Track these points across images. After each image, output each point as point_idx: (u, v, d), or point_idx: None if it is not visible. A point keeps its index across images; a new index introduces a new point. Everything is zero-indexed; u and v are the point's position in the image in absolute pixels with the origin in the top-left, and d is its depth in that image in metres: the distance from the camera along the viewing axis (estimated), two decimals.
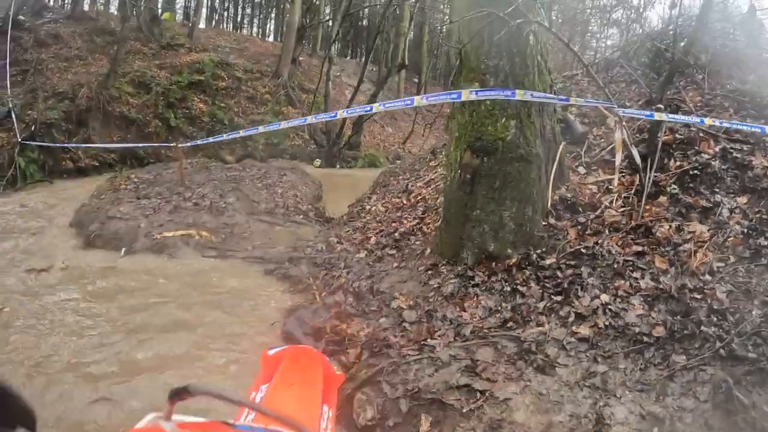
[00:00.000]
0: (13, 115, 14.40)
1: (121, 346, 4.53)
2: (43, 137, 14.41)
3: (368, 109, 10.94)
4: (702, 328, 3.61)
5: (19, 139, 13.89)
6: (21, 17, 18.06)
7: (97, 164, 15.34)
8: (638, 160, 5.39)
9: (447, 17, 36.74)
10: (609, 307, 4.00)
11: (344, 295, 5.20)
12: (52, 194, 12.18)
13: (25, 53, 17.19)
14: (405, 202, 8.13)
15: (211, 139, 12.64)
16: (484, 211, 4.99)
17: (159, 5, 27.81)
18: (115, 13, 26.54)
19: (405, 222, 7.09)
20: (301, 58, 25.12)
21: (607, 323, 3.84)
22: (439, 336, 4.07)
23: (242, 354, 4.39)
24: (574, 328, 3.87)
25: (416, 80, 33.50)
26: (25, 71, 16.55)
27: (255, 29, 40.32)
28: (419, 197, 7.97)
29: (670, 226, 4.71)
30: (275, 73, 21.96)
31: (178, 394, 0.97)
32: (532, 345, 3.73)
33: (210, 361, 4.33)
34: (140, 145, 15.17)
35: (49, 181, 14.00)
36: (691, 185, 5.20)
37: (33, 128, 14.56)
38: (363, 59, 33.89)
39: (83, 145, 14.82)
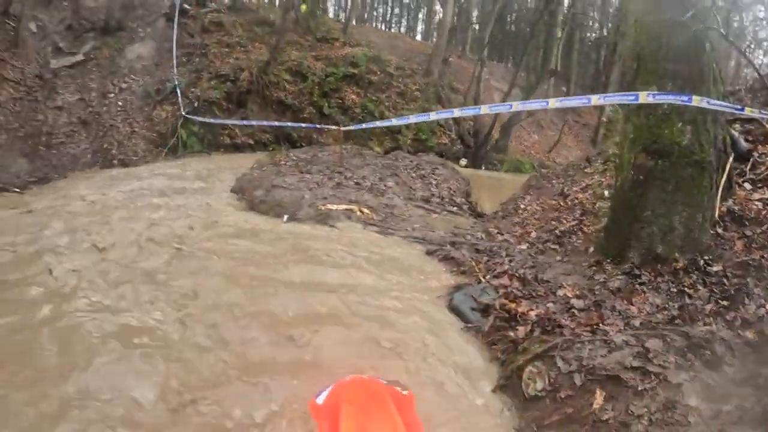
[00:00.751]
0: (179, 92, 16.35)
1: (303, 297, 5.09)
2: (205, 113, 16.15)
3: (538, 103, 11.20)
4: None
5: (183, 113, 15.75)
6: (186, 6, 20.11)
7: (252, 143, 16.99)
8: None
9: (595, 23, 36.08)
10: None
11: (510, 280, 5.49)
12: (212, 163, 13.70)
13: (190, 38, 19.29)
14: (561, 204, 8.39)
15: (370, 124, 13.53)
16: (655, 213, 5.19)
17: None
18: (276, 5, 28.54)
19: (564, 222, 7.38)
20: (450, 59, 25.64)
21: None
22: (608, 324, 4.30)
23: (405, 331, 4.61)
24: (740, 331, 3.99)
25: (564, 88, 32.97)
26: (190, 54, 18.59)
27: (403, 28, 41.37)
28: (576, 201, 8.20)
29: None
30: (426, 71, 22.62)
31: None
32: (701, 341, 3.87)
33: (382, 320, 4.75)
34: (302, 125, 16.44)
35: (207, 152, 15.81)
36: None
37: (196, 104, 16.46)
38: (511, 63, 34.01)
39: (243, 121, 16.32)
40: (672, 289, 4.75)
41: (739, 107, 5.87)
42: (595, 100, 6.77)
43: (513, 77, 21.89)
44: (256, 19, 21.97)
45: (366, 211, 8.54)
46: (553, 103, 8.28)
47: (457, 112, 11.64)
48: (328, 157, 12.99)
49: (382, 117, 18.94)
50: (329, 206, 8.50)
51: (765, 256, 4.86)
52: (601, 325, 4.29)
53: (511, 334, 4.44)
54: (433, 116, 10.96)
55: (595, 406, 3.42)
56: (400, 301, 5.15)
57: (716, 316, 4.25)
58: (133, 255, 5.95)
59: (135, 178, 11.05)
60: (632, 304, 4.63)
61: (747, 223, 5.44)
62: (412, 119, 11.16)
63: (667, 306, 4.52)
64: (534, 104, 8.11)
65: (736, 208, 5.62)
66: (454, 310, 5.06)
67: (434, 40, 29.89)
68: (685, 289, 4.70)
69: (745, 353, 3.82)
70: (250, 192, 9.70)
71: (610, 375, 3.62)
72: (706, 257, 5.01)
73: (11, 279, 5.13)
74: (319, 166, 11.58)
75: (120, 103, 15.89)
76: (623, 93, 5.69)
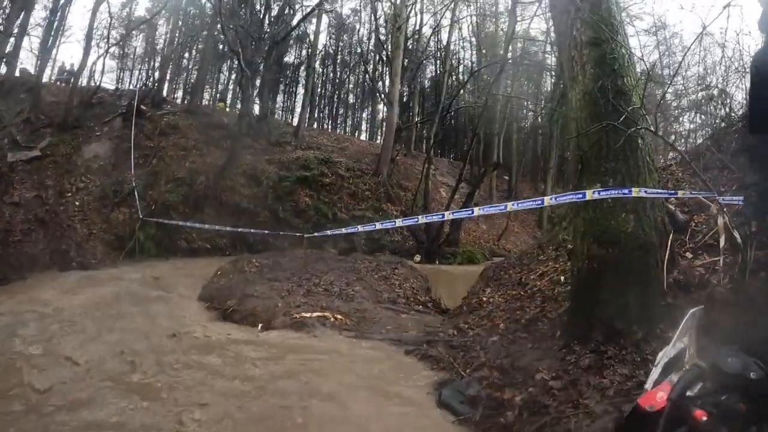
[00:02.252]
0: (136, 194, 16.63)
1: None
2: (162, 217, 16.40)
3: (496, 208, 11.97)
4: None
5: (141, 216, 15.96)
6: (143, 107, 20.69)
7: (209, 247, 17.26)
8: (739, 241, 6.10)
9: (529, 112, 38.24)
10: None
11: (489, 371, 6.02)
12: (172, 268, 13.96)
13: (147, 140, 19.68)
14: (522, 293, 9.01)
15: (336, 231, 14.17)
16: (611, 294, 5.83)
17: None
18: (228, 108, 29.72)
19: (527, 310, 7.98)
20: (397, 158, 26.63)
21: None
22: (587, 397, 4.80)
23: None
24: None
25: (506, 177, 34.45)
26: (147, 155, 19.01)
27: (348, 128, 42.79)
28: (535, 288, 8.84)
29: None
30: (375, 171, 23.53)
31: None
32: None
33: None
34: (265, 231, 16.74)
35: (165, 257, 15.90)
36: None
37: (153, 207, 16.76)
38: (453, 157, 35.47)
39: (205, 226, 16.52)
40: (636, 359, 5.29)
41: (673, 192, 6.71)
42: (548, 201, 7.60)
43: (460, 172, 22.85)
44: (211, 122, 22.77)
45: (339, 316, 8.94)
46: (511, 206, 9.06)
47: (422, 219, 12.33)
48: (290, 263, 13.39)
49: (335, 218, 19.80)
50: (303, 314, 8.88)
51: None
52: (580, 399, 4.79)
53: (502, 420, 4.92)
54: (399, 222, 11.67)
55: None
56: (387, 398, 5.58)
57: None
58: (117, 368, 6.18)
59: (98, 283, 11.28)
60: (604, 377, 5.14)
61: (692, 289, 6.11)
62: (379, 226, 11.79)
63: (635, 374, 5.04)
64: (493, 209, 9.00)
65: (681, 277, 6.30)
66: (445, 405, 5.52)
67: (380, 139, 31.21)
68: (647, 356, 5.22)
69: None
70: (221, 301, 9.98)
71: None
72: (660, 326, 5.60)
73: None
74: (285, 273, 11.96)
75: (77, 203, 16.03)
76: (572, 192, 6.49)
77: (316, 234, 14.55)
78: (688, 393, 1.10)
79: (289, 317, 8.78)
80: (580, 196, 6.18)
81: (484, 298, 10.07)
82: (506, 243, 26.10)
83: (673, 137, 21.43)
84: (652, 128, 6.28)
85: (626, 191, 5.87)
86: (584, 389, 5.04)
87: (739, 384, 0.93)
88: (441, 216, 11.88)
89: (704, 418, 0.92)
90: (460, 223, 22.29)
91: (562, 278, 8.63)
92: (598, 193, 6.00)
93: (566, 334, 6.38)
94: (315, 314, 8.90)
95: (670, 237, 6.57)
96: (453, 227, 21.77)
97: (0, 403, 5.05)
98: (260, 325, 8.68)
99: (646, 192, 5.95)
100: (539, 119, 38.50)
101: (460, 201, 22.99)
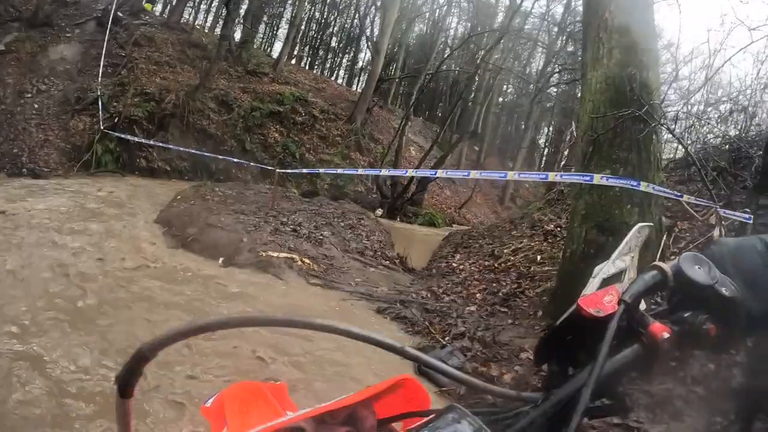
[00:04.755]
0: (100, 104, 15.70)
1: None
2: (125, 131, 15.50)
3: (466, 173, 11.86)
4: None
5: (102, 127, 15.15)
6: (120, 14, 19.64)
7: (169, 169, 16.59)
8: None
9: (510, 88, 38.33)
10: None
11: (471, 342, 5.87)
12: (128, 186, 13.25)
13: (119, 48, 18.66)
14: (496, 265, 8.98)
15: (312, 171, 13.89)
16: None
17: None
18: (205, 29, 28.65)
19: (503, 284, 7.97)
20: (373, 109, 26.28)
21: None
22: None
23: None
24: (691, 387, 4.58)
25: (476, 148, 34.36)
26: (117, 65, 17.97)
27: (326, 72, 42.13)
28: (509, 263, 8.81)
29: None
30: (349, 118, 23.14)
31: None
32: (662, 398, 4.43)
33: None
34: (238, 160, 16.20)
35: (121, 173, 15.19)
36: None
37: (116, 120, 15.79)
38: (428, 116, 35.30)
39: (172, 146, 16.00)
40: None
41: (678, 194, 6.64)
42: (552, 176, 7.42)
43: (437, 136, 22.78)
44: (188, 40, 21.92)
45: (307, 261, 8.68)
46: (512, 175, 8.89)
47: (384, 172, 12.14)
48: (256, 196, 12.97)
49: (302, 159, 19.41)
50: (270, 253, 8.56)
51: None
52: None
53: (489, 397, 4.75)
54: (360, 171, 11.45)
55: None
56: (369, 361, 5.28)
57: (667, 374, 4.77)
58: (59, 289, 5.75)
59: (49, 193, 10.64)
60: None
61: None
62: (360, 171, 11.64)
63: None
64: (457, 173, 8.78)
65: None
66: (425, 375, 5.25)
67: (358, 87, 30.72)
68: None
69: (700, 406, 4.38)
70: (180, 228, 9.55)
71: None
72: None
73: None
74: (251, 207, 11.55)
75: (36, 106, 15.26)
76: (579, 173, 6.32)
77: (289, 170, 14.16)
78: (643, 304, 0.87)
79: (254, 254, 8.43)
80: (588, 178, 6.04)
81: (455, 264, 10.02)
82: (467, 213, 26.29)
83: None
84: (672, 127, 6.20)
85: (635, 183, 5.75)
86: None
87: (709, 299, 0.72)
88: (404, 172, 11.65)
89: (665, 335, 0.70)
90: (427, 184, 22.24)
91: (539, 258, 8.63)
92: (607, 179, 5.86)
93: (548, 315, 6.38)
94: (282, 255, 8.59)
95: (664, 237, 6.56)
96: (419, 187, 21.67)
97: None
98: (221, 259, 8.26)
99: (654, 188, 5.84)
100: (519, 98, 38.69)
101: (429, 164, 22.86)
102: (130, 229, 9.18)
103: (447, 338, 6.07)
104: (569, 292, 6.04)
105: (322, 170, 12.75)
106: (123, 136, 15.22)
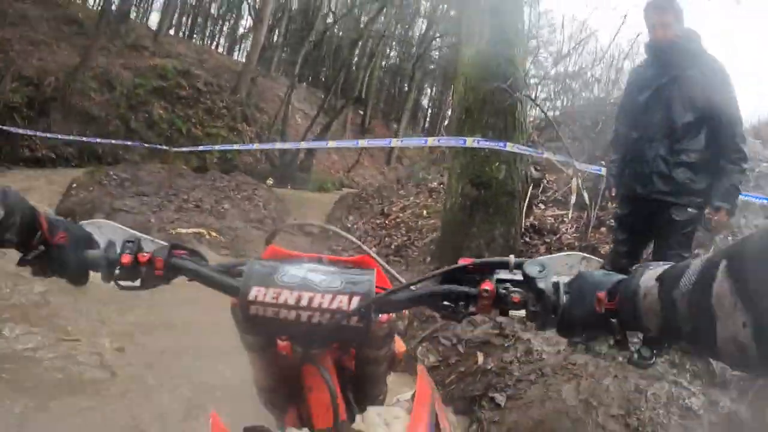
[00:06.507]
0: None
1: None
2: (4, 121, 14.49)
3: (381, 141, 12.77)
4: None
5: None
6: None
7: (55, 156, 15.90)
8: (587, 200, 7.36)
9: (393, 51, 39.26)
10: None
11: None
12: (16, 180, 12.58)
13: None
14: (387, 222, 10.01)
15: (207, 148, 14.13)
16: (480, 229, 6.89)
17: None
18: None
19: (395, 238, 9.06)
20: (258, 78, 26.31)
21: None
22: None
23: None
24: None
25: (361, 112, 35.05)
26: None
27: (206, 40, 41.35)
28: (398, 219, 9.88)
29: (609, 247, 6.64)
30: (234, 89, 23.09)
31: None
32: None
33: None
34: (131, 143, 16.05)
35: (7, 166, 14.47)
36: None
37: None
38: (312, 82, 35.70)
39: (69, 137, 15.28)
40: None
41: (539, 152, 7.84)
42: (431, 141, 8.44)
43: (322, 102, 23.31)
44: (64, 15, 20.90)
45: (213, 234, 9.29)
46: (396, 142, 9.84)
47: (278, 146, 12.68)
48: (151, 176, 13.11)
49: (189, 134, 19.43)
50: (180, 230, 9.12)
51: None
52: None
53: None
54: (255, 146, 12.02)
55: (479, 363, 4.75)
56: None
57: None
58: None
59: None
60: None
61: (545, 233, 7.56)
62: (256, 146, 12.12)
63: None
64: (378, 143, 9.77)
65: (536, 222, 7.77)
66: None
67: (241, 55, 30.54)
68: None
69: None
70: (86, 216, 9.70)
71: (483, 341, 5.02)
72: (520, 259, 6.75)
73: None
74: (149, 187, 11.85)
75: None
76: (454, 137, 7.36)
77: (183, 149, 14.42)
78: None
79: (165, 233, 8.87)
80: (462, 142, 7.06)
81: (349, 225, 10.94)
82: (355, 176, 27.20)
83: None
84: (532, 96, 7.34)
85: (502, 144, 6.80)
86: None
87: (530, 284, 1.04)
88: (296, 145, 12.31)
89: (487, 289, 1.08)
90: (314, 150, 22.73)
91: (425, 212, 9.73)
92: (478, 142, 6.90)
93: (435, 260, 7.46)
94: (191, 230, 9.17)
95: (530, 189, 7.80)
96: (307, 154, 22.33)
97: None
98: None
99: (518, 148, 6.93)
100: (402, 62, 39.67)
101: (315, 130, 23.67)
102: None
103: None
104: (454, 238, 7.16)
105: (217, 147, 13.05)
106: (4, 127, 14.10)
